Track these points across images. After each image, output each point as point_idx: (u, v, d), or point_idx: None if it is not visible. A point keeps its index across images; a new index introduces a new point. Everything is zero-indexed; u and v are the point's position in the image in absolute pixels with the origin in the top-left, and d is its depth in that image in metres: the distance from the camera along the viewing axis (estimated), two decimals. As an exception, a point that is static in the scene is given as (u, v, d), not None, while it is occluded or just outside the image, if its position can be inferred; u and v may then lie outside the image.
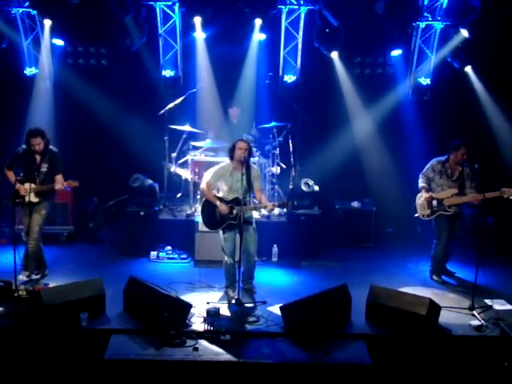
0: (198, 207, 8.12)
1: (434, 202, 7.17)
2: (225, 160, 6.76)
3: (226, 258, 6.62)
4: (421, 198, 7.26)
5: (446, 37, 8.93)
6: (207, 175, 6.64)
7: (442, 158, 7.26)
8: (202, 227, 7.69)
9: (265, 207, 6.68)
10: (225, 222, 6.52)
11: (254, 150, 8.58)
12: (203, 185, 6.62)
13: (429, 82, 9.18)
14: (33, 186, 6.70)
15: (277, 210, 8.46)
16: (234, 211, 6.45)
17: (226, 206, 6.49)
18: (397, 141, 9.31)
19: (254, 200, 6.87)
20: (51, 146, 6.81)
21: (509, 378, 5.42)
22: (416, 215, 7.35)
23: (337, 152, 9.30)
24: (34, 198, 6.73)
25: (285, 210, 8.28)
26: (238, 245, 6.43)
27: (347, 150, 9.32)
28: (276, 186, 8.70)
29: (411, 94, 9.29)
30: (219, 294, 6.69)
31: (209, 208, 6.61)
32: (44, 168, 6.72)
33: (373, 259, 8.14)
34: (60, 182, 6.76)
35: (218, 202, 6.52)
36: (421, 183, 7.30)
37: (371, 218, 8.70)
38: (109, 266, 7.55)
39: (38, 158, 6.73)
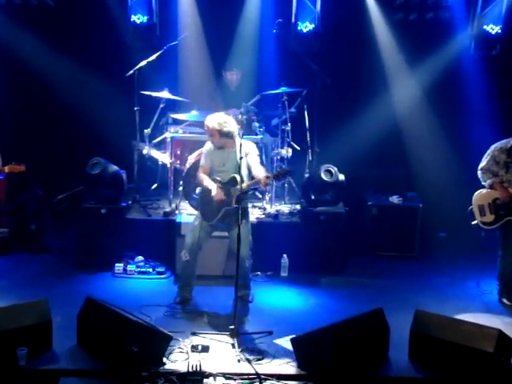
0: (180, 203, 8.16)
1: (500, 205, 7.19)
2: None
3: (183, 253, 7.05)
4: (480, 198, 7.27)
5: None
6: (201, 160, 7.09)
7: (508, 144, 7.21)
8: (185, 230, 7.65)
9: (258, 182, 6.80)
10: (220, 211, 6.80)
11: (257, 125, 8.54)
12: (199, 171, 7.07)
13: (499, 31, 9.12)
14: None
15: (287, 208, 8.46)
16: (231, 192, 6.74)
17: (220, 191, 6.78)
18: (453, 114, 9.32)
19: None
20: None
21: None
22: (474, 223, 7.35)
23: (370, 129, 9.32)
24: None
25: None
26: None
27: (384, 126, 9.34)
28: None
29: (474, 48, 9.26)
30: (208, 322, 6.70)
31: (206, 196, 6.94)
32: None
33: (419, 275, 8.17)
34: None
35: (213, 187, 6.82)
36: (486, 179, 7.27)
37: (417, 218, 8.74)
38: (58, 284, 7.55)
39: None
